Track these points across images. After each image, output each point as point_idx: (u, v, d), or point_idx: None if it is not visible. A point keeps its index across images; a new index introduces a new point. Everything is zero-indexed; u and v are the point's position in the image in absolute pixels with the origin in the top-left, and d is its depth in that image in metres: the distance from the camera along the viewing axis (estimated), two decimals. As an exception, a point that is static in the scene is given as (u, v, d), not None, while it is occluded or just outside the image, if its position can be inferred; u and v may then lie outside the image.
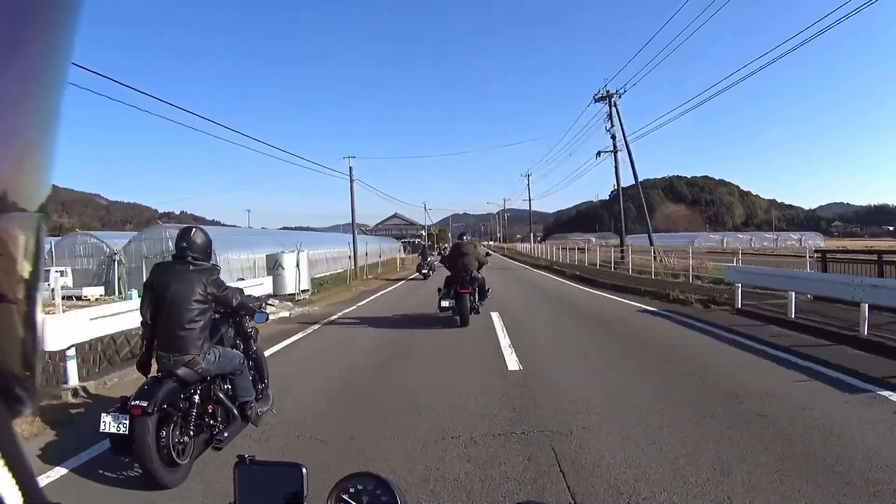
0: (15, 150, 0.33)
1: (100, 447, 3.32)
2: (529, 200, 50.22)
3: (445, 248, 28.05)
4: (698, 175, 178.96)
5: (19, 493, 0.35)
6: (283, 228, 59.75)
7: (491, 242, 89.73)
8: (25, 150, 0.34)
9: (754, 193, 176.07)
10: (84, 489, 2.93)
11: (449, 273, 8.64)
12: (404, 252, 42.18)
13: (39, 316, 0.38)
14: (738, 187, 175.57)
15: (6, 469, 0.35)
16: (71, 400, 4.59)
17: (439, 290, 8.62)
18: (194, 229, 3.36)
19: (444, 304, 8.10)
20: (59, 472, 3.13)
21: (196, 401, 3.14)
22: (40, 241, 0.37)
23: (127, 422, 2.81)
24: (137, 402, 2.81)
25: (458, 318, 8.04)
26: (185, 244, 3.26)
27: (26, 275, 0.36)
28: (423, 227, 70.68)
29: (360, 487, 0.79)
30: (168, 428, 2.94)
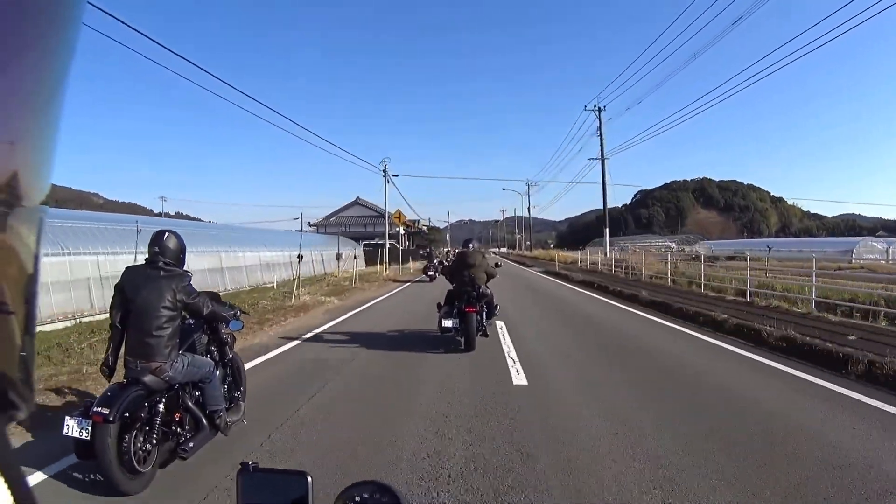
0: (15, 150, 0.34)
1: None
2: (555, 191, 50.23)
3: (448, 252, 29.04)
4: (726, 179, 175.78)
5: (10, 497, 0.36)
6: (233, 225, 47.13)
7: (506, 249, 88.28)
8: (26, 149, 0.35)
9: (787, 200, 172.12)
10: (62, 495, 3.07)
11: (451, 287, 7.86)
12: (380, 263, 27.48)
13: (36, 318, 0.39)
14: (768, 193, 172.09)
15: (1, 476, 0.36)
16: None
17: (439, 305, 7.89)
18: (167, 233, 3.50)
19: (447, 323, 7.19)
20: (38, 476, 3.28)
21: (161, 409, 3.27)
22: (37, 245, 0.38)
23: (90, 427, 2.94)
24: (99, 408, 2.94)
25: (461, 339, 7.21)
26: (156, 248, 3.40)
27: (24, 277, 0.37)
28: (405, 224, 50.41)
29: (365, 496, 0.82)
30: (130, 435, 3.06)
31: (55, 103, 0.37)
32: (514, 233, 74.48)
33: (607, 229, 29.66)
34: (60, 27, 0.36)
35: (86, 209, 29.08)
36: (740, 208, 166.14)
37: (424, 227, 64.36)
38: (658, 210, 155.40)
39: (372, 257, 32.63)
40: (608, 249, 28.97)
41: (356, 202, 55.21)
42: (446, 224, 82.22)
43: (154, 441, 3.19)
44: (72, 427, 2.97)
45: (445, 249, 33.52)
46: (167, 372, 3.24)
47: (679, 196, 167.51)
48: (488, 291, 7.73)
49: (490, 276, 7.82)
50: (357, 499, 0.81)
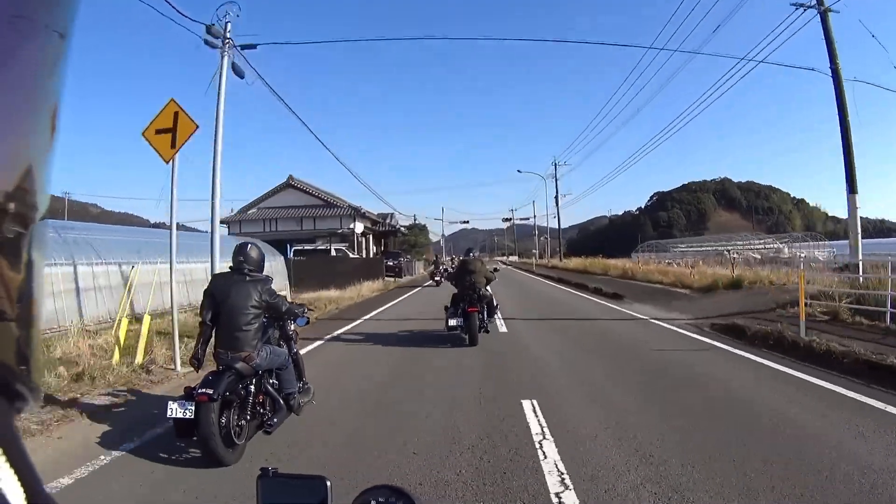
0: (15, 159, 0.37)
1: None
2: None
3: (453, 259, 30.37)
4: (743, 180, 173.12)
5: (23, 494, 0.37)
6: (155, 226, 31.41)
7: (515, 258, 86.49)
8: (25, 159, 0.38)
9: (809, 202, 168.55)
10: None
11: (455, 291, 9.33)
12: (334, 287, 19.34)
13: (38, 311, 0.42)
14: (788, 195, 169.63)
15: (10, 469, 0.37)
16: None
17: (446, 308, 9.25)
18: (250, 245, 4.42)
19: (452, 322, 8.70)
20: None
21: (251, 391, 4.10)
22: (41, 238, 0.41)
23: (193, 407, 3.69)
24: (203, 389, 3.72)
25: (466, 336, 8.60)
26: (241, 258, 4.29)
27: (26, 269, 0.39)
28: (375, 222, 38.58)
29: (381, 500, 0.86)
30: (228, 413, 3.88)
31: (53, 113, 0.40)
32: (535, 236, 64.96)
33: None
34: (57, 36, 0.39)
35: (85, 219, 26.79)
36: (764, 210, 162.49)
37: (400, 226, 46.73)
38: (678, 213, 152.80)
39: (308, 271, 21.56)
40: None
41: (288, 184, 35.04)
42: (439, 231, 65.53)
43: (247, 418, 4.01)
44: (174, 409, 3.71)
45: (450, 258, 34.53)
46: (255, 360, 4.08)
47: (699, 198, 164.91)
48: (488, 293, 9.35)
49: (489, 280, 9.42)
50: (372, 502, 0.85)
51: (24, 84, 0.37)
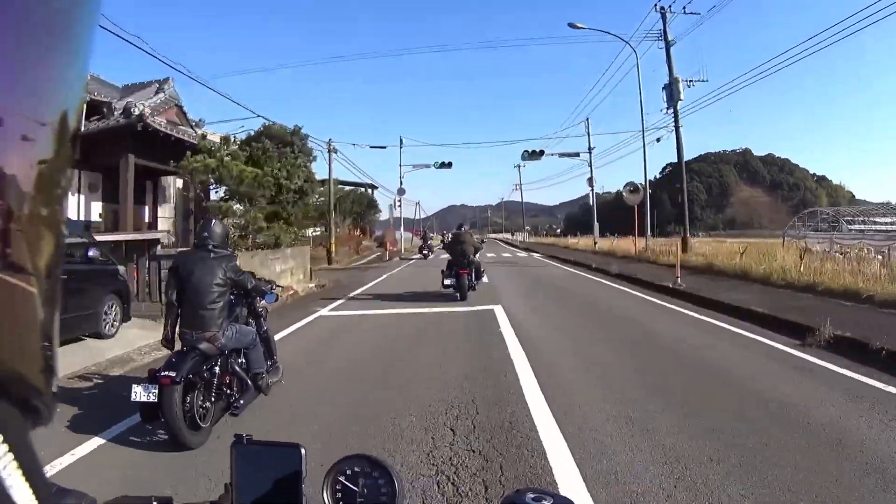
0: (47, 134, 0.38)
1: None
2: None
3: (444, 235, 35.77)
4: (763, 154, 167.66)
5: (33, 498, 0.38)
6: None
7: (509, 235, 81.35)
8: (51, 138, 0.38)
9: (832, 180, 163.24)
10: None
11: (450, 257, 12.04)
12: None
13: (58, 309, 0.42)
14: (807, 171, 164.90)
15: (26, 484, 0.38)
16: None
17: (442, 271, 11.82)
18: (213, 220, 4.43)
19: (447, 282, 11.45)
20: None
21: (216, 372, 4.14)
22: (62, 234, 0.42)
23: (156, 391, 3.73)
24: (166, 372, 3.75)
25: (458, 294, 11.23)
26: (205, 234, 4.28)
27: (47, 266, 0.39)
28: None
29: (356, 469, 0.90)
30: (192, 395, 3.91)
31: (78, 91, 0.41)
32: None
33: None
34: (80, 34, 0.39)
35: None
36: (789, 186, 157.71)
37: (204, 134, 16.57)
38: (698, 186, 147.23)
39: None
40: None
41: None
42: (392, 192, 39.75)
43: (212, 400, 4.07)
44: (139, 393, 3.75)
45: (445, 232, 37.25)
46: (220, 340, 4.10)
47: (721, 170, 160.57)
48: (476, 259, 12.07)
49: (477, 249, 12.45)
50: (348, 472, 0.90)
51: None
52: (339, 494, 0.90)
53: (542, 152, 33.67)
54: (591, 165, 33.67)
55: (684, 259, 14.80)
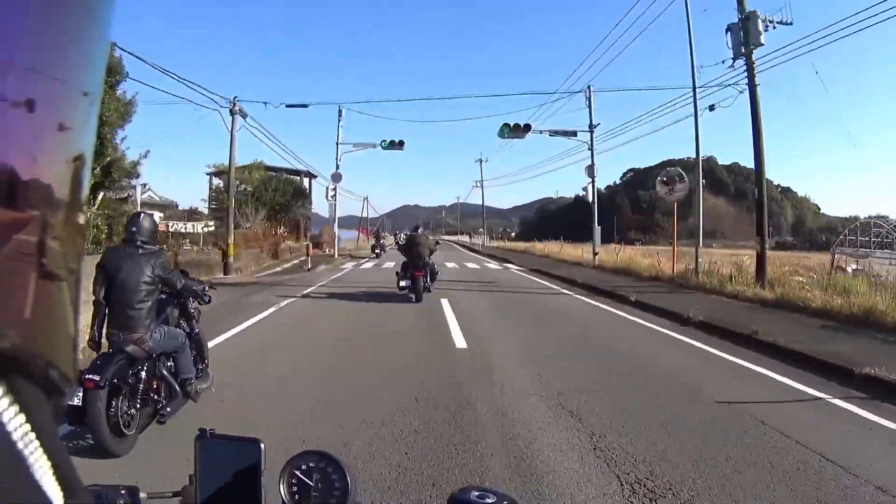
0: (71, 135, 0.39)
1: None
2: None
3: (402, 235, 34.26)
4: (728, 163, 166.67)
5: (61, 491, 0.38)
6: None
7: (465, 237, 75.83)
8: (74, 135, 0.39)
9: (796, 192, 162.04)
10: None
11: (405, 259, 11.98)
12: None
13: (82, 298, 0.43)
14: (771, 182, 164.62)
15: (49, 463, 0.37)
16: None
17: (397, 273, 11.97)
18: (142, 214, 4.22)
19: (403, 284, 11.48)
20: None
21: (143, 376, 4.00)
22: (85, 221, 0.43)
23: (81, 394, 3.59)
24: (90, 375, 3.60)
25: (412, 295, 11.25)
26: (134, 228, 4.09)
27: (72, 255, 0.40)
28: None
29: (311, 465, 0.96)
30: (117, 401, 3.77)
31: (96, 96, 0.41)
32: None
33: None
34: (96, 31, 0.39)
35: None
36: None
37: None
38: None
39: None
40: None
41: None
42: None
43: (137, 406, 3.93)
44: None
45: (404, 234, 36.18)
46: (147, 342, 3.96)
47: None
48: (431, 262, 12.14)
49: (432, 251, 12.44)
50: (303, 467, 0.96)
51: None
52: (294, 488, 0.96)
53: (528, 127, 23.19)
54: (591, 149, 23.58)
55: (757, 292, 11.50)
